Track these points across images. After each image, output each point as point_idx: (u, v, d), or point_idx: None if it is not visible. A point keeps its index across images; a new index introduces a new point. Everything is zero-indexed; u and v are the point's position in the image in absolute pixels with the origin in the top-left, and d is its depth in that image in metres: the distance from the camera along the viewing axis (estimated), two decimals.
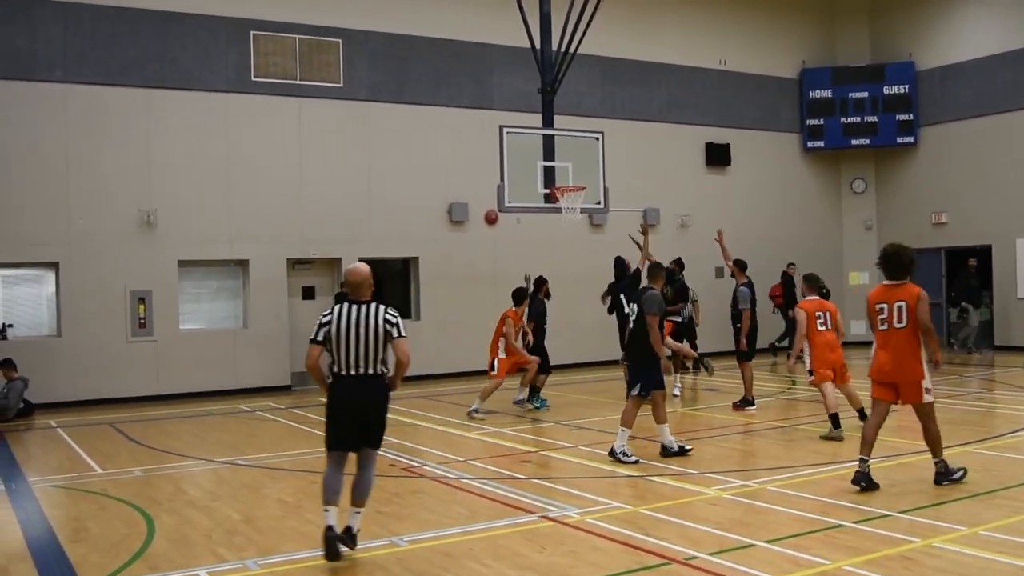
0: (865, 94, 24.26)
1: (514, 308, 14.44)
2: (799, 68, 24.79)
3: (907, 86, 24.05)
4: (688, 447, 10.42)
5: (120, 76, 17.10)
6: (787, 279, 21.34)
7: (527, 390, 14.72)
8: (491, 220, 20.08)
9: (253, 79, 18.16)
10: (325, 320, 6.90)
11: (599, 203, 16.54)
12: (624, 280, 14.21)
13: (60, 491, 9.75)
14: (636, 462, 9.97)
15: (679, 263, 16.80)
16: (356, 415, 6.88)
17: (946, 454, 8.71)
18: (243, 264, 18.20)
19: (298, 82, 18.55)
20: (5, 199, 16.23)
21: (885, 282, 8.57)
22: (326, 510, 6.77)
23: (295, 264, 18.75)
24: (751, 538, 7.02)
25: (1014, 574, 6.11)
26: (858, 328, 21.92)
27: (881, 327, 8.50)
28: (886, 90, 24.16)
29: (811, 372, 11.96)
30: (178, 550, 7.27)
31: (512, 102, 20.28)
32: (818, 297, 12.89)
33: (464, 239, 20.09)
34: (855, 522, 7.38)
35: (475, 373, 19.50)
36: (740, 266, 14.12)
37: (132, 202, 17.09)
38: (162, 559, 7.04)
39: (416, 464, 10.50)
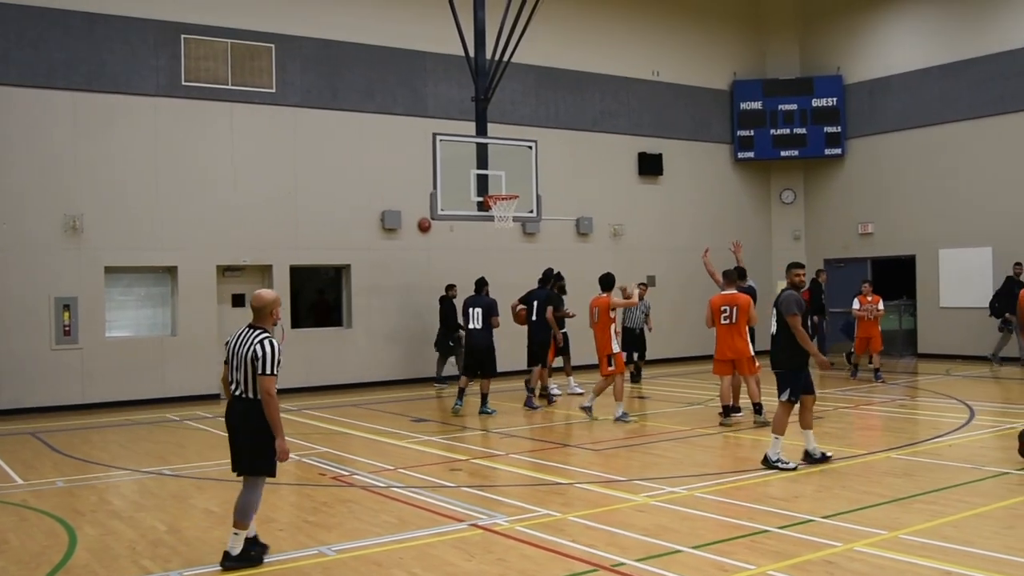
0: (794, 106, 24.71)
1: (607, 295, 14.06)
2: (730, 80, 25.17)
3: (835, 99, 24.56)
4: (829, 453, 10.19)
5: (45, 78, 16.70)
6: (815, 285, 21.46)
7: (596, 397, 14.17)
8: (424, 228, 20.02)
9: (184, 83, 17.87)
10: (228, 341, 7.14)
11: (532, 211, 16.63)
12: (545, 290, 15.54)
13: None
14: (794, 468, 9.80)
15: (557, 275, 16.86)
16: (230, 434, 7.03)
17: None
18: (171, 271, 17.88)
19: (229, 87, 18.31)
20: None
21: None
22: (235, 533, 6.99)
23: (225, 271, 18.47)
24: (678, 544, 7.10)
25: None
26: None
27: None
28: (815, 103, 24.64)
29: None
30: (100, 562, 7.13)
31: (446, 110, 20.29)
32: (733, 291, 13.22)
33: (397, 247, 20.00)
34: (780, 527, 7.50)
35: (408, 382, 19.45)
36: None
37: (57, 207, 16.71)
38: (84, 571, 6.90)
39: (346, 473, 10.43)
